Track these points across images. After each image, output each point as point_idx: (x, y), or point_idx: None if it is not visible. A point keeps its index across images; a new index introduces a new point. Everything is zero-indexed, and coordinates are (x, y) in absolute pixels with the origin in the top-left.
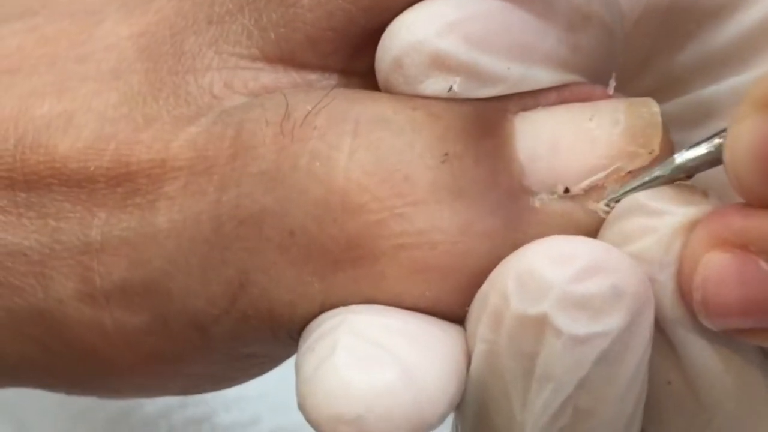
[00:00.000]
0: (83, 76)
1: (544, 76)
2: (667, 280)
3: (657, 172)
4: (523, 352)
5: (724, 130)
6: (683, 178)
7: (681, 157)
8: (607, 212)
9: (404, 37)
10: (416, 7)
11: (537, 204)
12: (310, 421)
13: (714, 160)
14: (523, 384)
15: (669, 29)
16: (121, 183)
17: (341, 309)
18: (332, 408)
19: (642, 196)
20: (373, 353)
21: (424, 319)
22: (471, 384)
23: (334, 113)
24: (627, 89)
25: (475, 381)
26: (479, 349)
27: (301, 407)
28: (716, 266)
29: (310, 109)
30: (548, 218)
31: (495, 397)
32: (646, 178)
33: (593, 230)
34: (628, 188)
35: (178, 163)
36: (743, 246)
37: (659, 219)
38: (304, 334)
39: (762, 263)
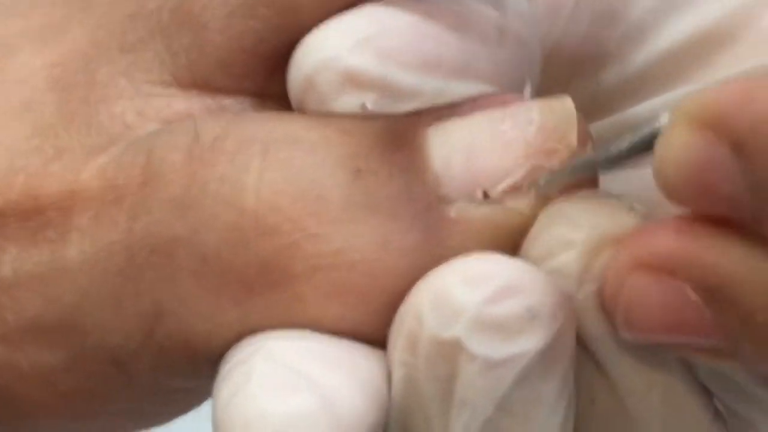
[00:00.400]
0: None
1: (460, 89)
2: (586, 297)
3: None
4: (441, 377)
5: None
6: (605, 168)
7: (602, 150)
8: (529, 210)
9: (316, 54)
10: (327, 23)
11: (454, 213)
12: None
13: (636, 155)
14: (442, 408)
15: (589, 52)
16: (31, 216)
17: (259, 335)
18: None
19: (566, 207)
20: (290, 379)
21: (344, 343)
22: (393, 409)
23: (243, 136)
24: None
25: (396, 406)
26: (399, 374)
27: None
28: (640, 291)
29: (218, 132)
30: (468, 226)
31: (417, 422)
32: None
33: (516, 232)
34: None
35: (89, 194)
36: (670, 272)
37: (579, 233)
38: (222, 362)
39: (689, 291)
